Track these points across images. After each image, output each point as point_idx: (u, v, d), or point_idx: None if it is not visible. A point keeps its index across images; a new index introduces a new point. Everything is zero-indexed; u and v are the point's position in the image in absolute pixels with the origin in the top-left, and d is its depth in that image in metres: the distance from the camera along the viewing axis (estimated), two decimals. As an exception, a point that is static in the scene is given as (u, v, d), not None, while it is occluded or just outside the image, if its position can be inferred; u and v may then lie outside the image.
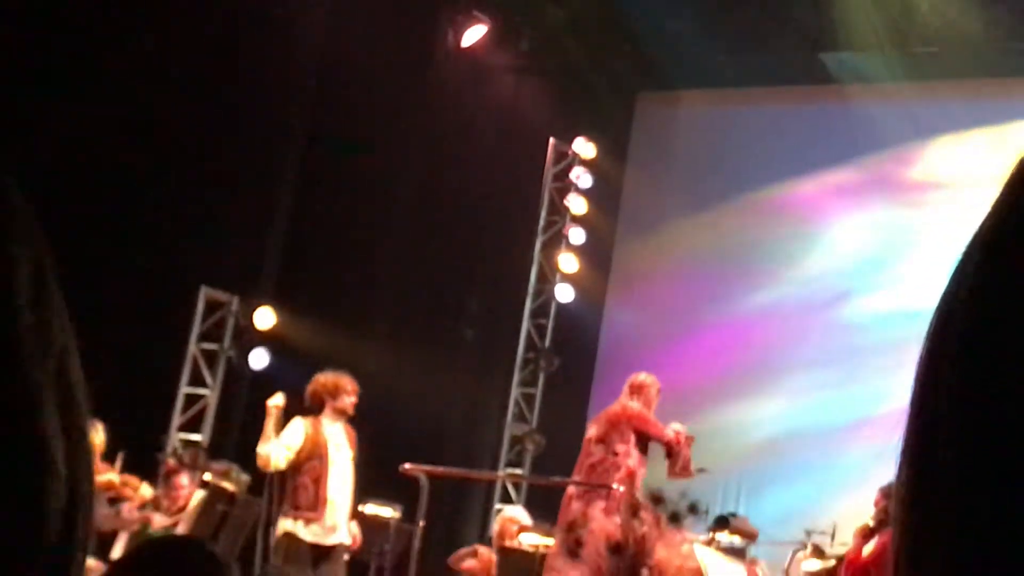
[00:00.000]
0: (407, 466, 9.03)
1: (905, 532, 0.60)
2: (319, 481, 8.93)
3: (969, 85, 13.04)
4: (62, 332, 0.76)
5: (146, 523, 9.69)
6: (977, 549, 0.56)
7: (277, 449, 8.90)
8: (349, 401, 9.16)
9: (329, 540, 8.99)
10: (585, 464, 9.32)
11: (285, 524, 8.94)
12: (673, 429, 9.48)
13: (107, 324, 11.92)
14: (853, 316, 13.27)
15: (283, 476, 9.07)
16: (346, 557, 9.42)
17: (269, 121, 13.12)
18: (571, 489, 9.43)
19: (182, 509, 9.71)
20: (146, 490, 9.87)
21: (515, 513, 11.07)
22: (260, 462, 8.97)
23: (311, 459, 8.95)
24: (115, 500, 9.69)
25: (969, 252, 0.61)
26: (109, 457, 9.70)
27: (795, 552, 10.66)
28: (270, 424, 8.97)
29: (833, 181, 13.94)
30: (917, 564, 0.59)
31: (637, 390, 9.50)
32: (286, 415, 9.16)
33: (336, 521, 9.01)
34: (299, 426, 9.03)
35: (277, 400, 9.07)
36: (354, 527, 9.35)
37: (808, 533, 10.95)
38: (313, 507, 8.92)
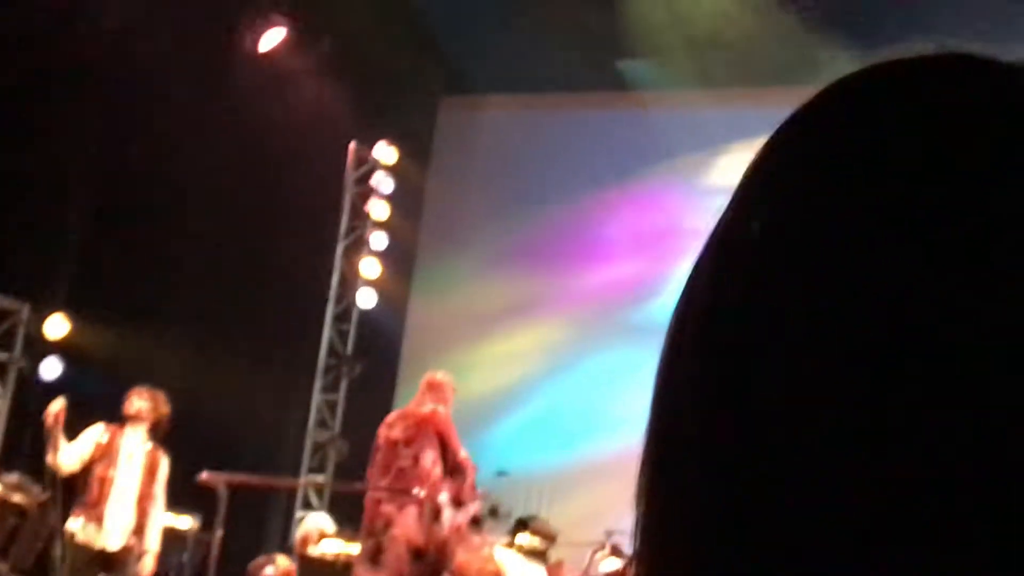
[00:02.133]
0: (204, 475, 8.91)
1: (646, 507, 0.63)
2: (103, 482, 9.17)
3: (761, 93, 13.40)
4: None
5: None
6: (713, 535, 0.59)
7: (67, 453, 9.11)
8: (127, 407, 9.37)
9: (103, 543, 9.14)
10: (394, 467, 9.26)
11: (69, 524, 9.15)
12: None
13: None
14: (647, 319, 13.51)
15: (75, 478, 9.29)
16: (149, 570, 9.35)
17: (62, 124, 12.78)
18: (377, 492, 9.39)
19: None
20: None
21: (317, 520, 10.98)
22: (55, 469, 9.15)
23: (101, 460, 9.21)
24: None
25: (704, 250, 0.64)
26: None
27: (594, 552, 10.80)
28: (56, 431, 9.07)
29: (630, 187, 14.17)
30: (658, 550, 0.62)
31: (434, 389, 9.51)
32: (84, 424, 9.22)
33: (112, 526, 9.16)
34: (94, 431, 9.30)
35: (55, 406, 9.12)
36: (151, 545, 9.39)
37: (608, 533, 11.10)
38: (94, 505, 9.15)
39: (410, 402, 9.83)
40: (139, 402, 9.39)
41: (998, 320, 0.55)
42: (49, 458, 9.07)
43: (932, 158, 0.58)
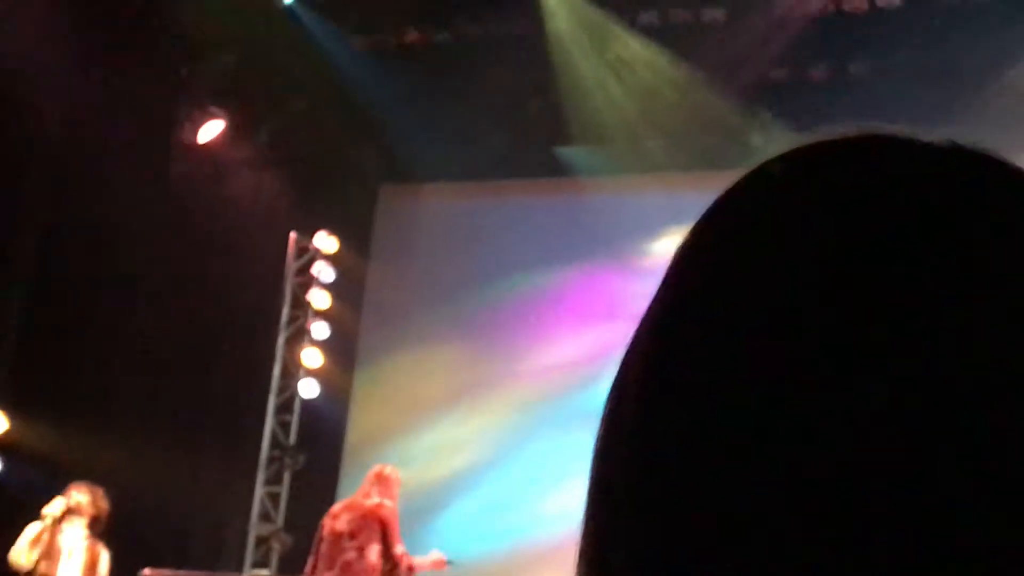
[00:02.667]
0: (146, 572, 8.81)
1: None
2: None
3: (698, 176, 13.53)
4: None
5: None
6: None
7: (20, 551, 9.23)
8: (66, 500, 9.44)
9: None
10: (339, 561, 9.17)
11: None
12: (407, 553, 9.45)
13: None
14: (592, 403, 13.47)
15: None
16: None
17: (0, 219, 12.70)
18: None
19: None
20: None
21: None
22: (18, 567, 9.30)
23: (43, 559, 9.21)
24: None
25: (636, 334, 0.65)
26: None
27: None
28: (33, 529, 9.28)
29: (571, 271, 14.22)
30: None
31: (382, 482, 9.44)
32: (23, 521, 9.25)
33: None
34: (32, 530, 9.29)
35: (50, 509, 9.31)
36: None
37: (558, 621, 11.00)
38: None
39: (356, 492, 9.75)
40: (78, 495, 9.36)
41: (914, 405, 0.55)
42: (16, 555, 9.14)
43: (846, 238, 0.59)
